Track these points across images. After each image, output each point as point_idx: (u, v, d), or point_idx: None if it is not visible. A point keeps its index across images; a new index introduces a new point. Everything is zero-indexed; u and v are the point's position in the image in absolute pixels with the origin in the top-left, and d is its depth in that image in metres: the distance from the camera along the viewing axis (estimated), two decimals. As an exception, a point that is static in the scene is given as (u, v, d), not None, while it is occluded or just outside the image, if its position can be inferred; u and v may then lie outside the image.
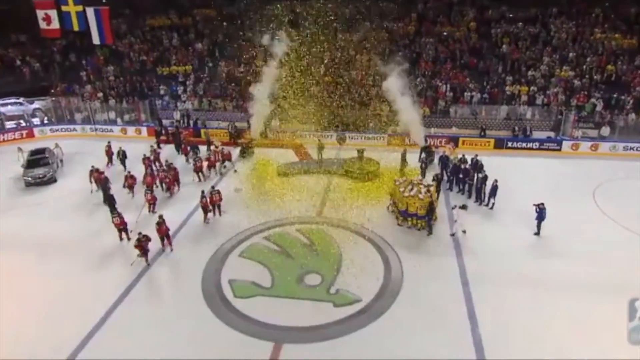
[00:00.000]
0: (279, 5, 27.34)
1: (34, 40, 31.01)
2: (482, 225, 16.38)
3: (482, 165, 18.63)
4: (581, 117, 23.41)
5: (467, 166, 18.65)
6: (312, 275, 13.61)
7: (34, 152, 21.76)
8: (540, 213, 15.43)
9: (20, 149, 22.75)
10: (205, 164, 20.66)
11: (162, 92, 28.11)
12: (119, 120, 27.62)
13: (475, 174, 17.81)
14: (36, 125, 27.48)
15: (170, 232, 15.35)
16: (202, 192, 16.70)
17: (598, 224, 16.17)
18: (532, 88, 25.28)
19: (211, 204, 16.81)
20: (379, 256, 14.58)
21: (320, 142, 21.93)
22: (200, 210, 17.02)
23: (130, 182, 18.86)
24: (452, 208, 15.90)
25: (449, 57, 28.09)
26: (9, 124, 27.14)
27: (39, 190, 20.05)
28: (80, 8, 23.64)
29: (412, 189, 16.09)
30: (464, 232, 15.61)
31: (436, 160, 21.01)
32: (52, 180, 20.74)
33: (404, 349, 10.86)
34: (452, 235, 15.64)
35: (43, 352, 10.97)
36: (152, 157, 20.95)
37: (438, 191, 17.23)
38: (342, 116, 25.15)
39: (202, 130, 25.35)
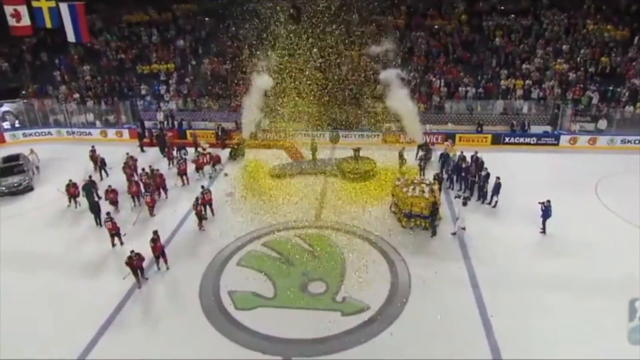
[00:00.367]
0: None
1: (1, 38, 29.76)
2: (486, 225, 16.32)
3: (482, 163, 18.57)
4: (578, 110, 23.65)
5: (468, 164, 18.56)
6: (316, 282, 13.29)
7: (7, 159, 20.83)
8: (546, 211, 15.45)
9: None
10: (191, 166, 20.22)
11: (143, 92, 27.35)
12: (97, 122, 26.75)
13: (477, 172, 17.70)
14: (7, 130, 26.41)
15: (162, 241, 14.81)
16: (197, 198, 16.18)
17: (604, 220, 16.28)
18: (527, 82, 25.46)
19: (202, 204, 16.44)
20: (384, 260, 14.36)
21: (313, 141, 21.59)
22: (190, 217, 16.71)
23: (111, 196, 17.39)
24: (455, 197, 15.80)
25: (441, 51, 28.09)
26: (-24, 129, 26.10)
27: (15, 201, 19.17)
28: (52, 4, 22.62)
29: (414, 189, 15.93)
30: (464, 229, 15.53)
31: (434, 158, 20.92)
32: (29, 188, 19.88)
33: (420, 358, 10.64)
34: (454, 234, 15.56)
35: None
36: (130, 165, 19.74)
37: (439, 190, 17.08)
38: (334, 114, 24.89)
39: (188, 132, 24.71)
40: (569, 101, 24.07)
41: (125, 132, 25.66)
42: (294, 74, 23.20)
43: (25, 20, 22.89)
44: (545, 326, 11.45)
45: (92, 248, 15.38)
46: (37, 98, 27.32)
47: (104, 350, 11.13)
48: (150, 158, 22.53)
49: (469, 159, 18.96)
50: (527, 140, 23.30)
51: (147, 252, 13.63)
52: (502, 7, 30.14)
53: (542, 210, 15.50)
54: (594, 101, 24.06)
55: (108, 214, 15.56)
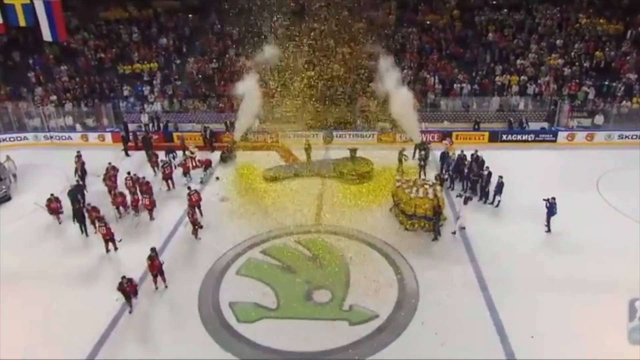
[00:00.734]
0: None
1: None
2: (490, 225, 16.37)
3: (483, 161, 18.61)
4: (574, 106, 23.95)
5: (469, 163, 18.59)
6: (321, 291, 13.07)
7: (-20, 167, 20.06)
8: (551, 208, 15.56)
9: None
10: (177, 170, 19.86)
11: (126, 93, 26.71)
12: (77, 126, 25.99)
13: (479, 171, 17.71)
14: (-22, 136, 25.49)
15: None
16: (192, 207, 15.76)
17: (608, 218, 16.45)
18: (522, 77, 25.69)
19: (190, 206, 16.27)
20: (389, 265, 14.21)
21: (307, 142, 21.36)
22: (182, 225, 16.43)
23: (93, 215, 15.94)
24: (457, 196, 15.78)
25: (434, 47, 28.16)
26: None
27: (-8, 211, 18.47)
28: (26, 0, 21.95)
29: (417, 190, 15.84)
30: (464, 228, 15.57)
31: (432, 157, 20.88)
32: (6, 198, 19.16)
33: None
34: (454, 233, 15.58)
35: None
36: (110, 175, 18.65)
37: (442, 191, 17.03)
38: (327, 113, 24.72)
39: (175, 134, 24.20)
40: (566, 97, 24.35)
41: (108, 136, 25.00)
42: (285, 73, 23.07)
43: (-4, 18, 22.19)
44: (559, 327, 11.45)
45: (81, 259, 14.85)
46: (10, 101, 26.42)
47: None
48: (136, 162, 21.99)
49: (469, 158, 19.03)
50: (525, 137, 23.47)
51: (142, 259, 13.23)
52: (494, 2, 30.44)
53: (547, 207, 15.60)
54: (590, 96, 24.40)
55: (102, 219, 15.29)
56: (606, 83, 24.74)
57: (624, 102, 23.81)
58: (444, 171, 19.44)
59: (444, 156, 19.52)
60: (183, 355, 11.06)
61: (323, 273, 13.84)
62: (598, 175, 19.54)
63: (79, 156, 20.06)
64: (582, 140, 23.10)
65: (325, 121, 24.49)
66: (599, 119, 23.65)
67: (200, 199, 16.83)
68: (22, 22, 22.33)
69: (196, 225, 15.56)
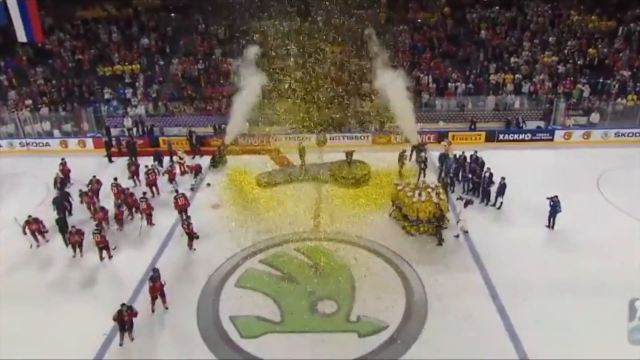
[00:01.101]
0: None
1: None
2: (493, 227, 16.45)
3: (483, 162, 18.65)
4: (570, 104, 24.24)
5: (470, 164, 18.61)
6: (326, 301, 12.84)
7: (-46, 177, 19.25)
8: (554, 206, 15.75)
9: None
10: (163, 176, 19.52)
11: (107, 96, 26.02)
12: (56, 131, 25.21)
13: (483, 173, 17.73)
14: (-52, 144, 24.52)
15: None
16: (188, 217, 15.36)
17: (611, 217, 16.63)
18: (516, 76, 25.91)
19: (177, 209, 16.41)
20: (394, 272, 14.08)
21: (300, 145, 21.10)
22: (174, 235, 16.11)
23: (76, 239, 14.88)
24: (458, 199, 15.92)
25: (426, 46, 28.22)
26: None
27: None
28: (-2, -2, 21.18)
29: (420, 194, 15.73)
30: (466, 232, 15.58)
31: (430, 158, 20.83)
32: (-18, 210, 18.37)
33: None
34: (457, 236, 15.56)
35: None
36: (93, 188, 17.93)
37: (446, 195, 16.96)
38: (319, 115, 24.47)
39: (162, 139, 23.65)
40: (561, 95, 24.63)
41: (89, 142, 24.31)
42: (275, 73, 22.77)
43: (-35, 19, 21.34)
44: (572, 331, 11.47)
45: (69, 273, 14.37)
46: (-20, 106, 25.56)
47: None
48: (121, 169, 21.31)
49: (468, 159, 19.05)
50: (522, 136, 23.66)
51: (138, 267, 12.87)
52: (485, -1, 30.69)
53: (550, 205, 15.76)
54: (585, 94, 24.74)
55: (98, 225, 15.20)
56: (600, 80, 25.09)
57: (618, 99, 24.17)
58: (443, 174, 19.40)
59: (444, 157, 19.45)
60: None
61: (326, 282, 13.60)
62: (598, 174, 19.77)
63: (63, 164, 19.37)
64: (579, 139, 23.39)
65: (318, 123, 24.23)
66: (595, 117, 23.99)
67: (187, 204, 16.73)
68: (-6, 22, 21.57)
69: (192, 236, 15.12)
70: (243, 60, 21.93)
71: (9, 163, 22.72)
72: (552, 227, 15.91)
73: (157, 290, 12.37)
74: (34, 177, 21.05)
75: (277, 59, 23.16)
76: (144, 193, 17.45)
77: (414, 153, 21.08)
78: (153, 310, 12.51)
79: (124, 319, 11.33)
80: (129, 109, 25.32)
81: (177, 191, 17.44)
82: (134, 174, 19.78)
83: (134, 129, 24.40)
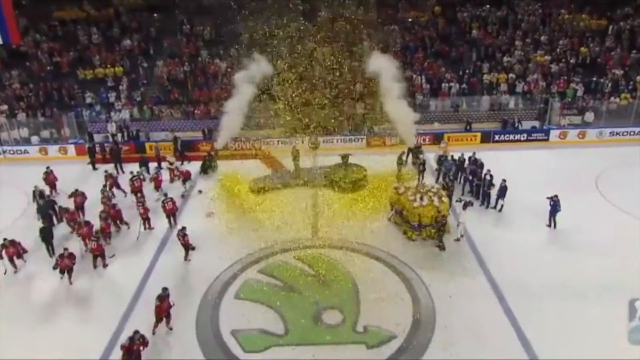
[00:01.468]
0: None
1: None
2: (495, 230, 16.58)
3: (482, 164, 18.76)
4: (564, 104, 24.59)
5: (469, 166, 18.69)
6: (330, 312, 12.66)
7: None
8: (555, 205, 16.00)
9: None
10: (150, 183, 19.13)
11: (89, 100, 25.43)
12: (34, 138, 24.51)
13: (482, 174, 17.80)
14: None
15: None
16: (183, 228, 14.97)
17: (614, 218, 16.85)
18: (510, 75, 26.19)
19: (165, 213, 16.46)
20: (398, 279, 13.99)
21: (294, 148, 20.92)
22: (167, 246, 15.79)
23: (66, 263, 13.90)
24: (457, 201, 16.09)
25: (418, 46, 28.34)
26: None
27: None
28: (-29, -1, 20.56)
29: (422, 198, 15.68)
30: (462, 236, 15.65)
31: (429, 161, 20.87)
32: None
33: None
34: (457, 240, 15.58)
35: None
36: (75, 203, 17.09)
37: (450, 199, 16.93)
38: (311, 117, 24.33)
39: (149, 144, 23.20)
40: (555, 94, 24.98)
41: (71, 148, 23.71)
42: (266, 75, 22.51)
43: None
44: (581, 332, 11.53)
45: (59, 288, 13.84)
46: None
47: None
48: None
49: (467, 161, 19.13)
50: (518, 137, 23.90)
51: (133, 278, 12.71)
52: (476, -3, 31.00)
53: (550, 205, 16.00)
54: (579, 93, 25.14)
55: (96, 232, 15.03)
56: (594, 79, 25.53)
57: (612, 98, 24.62)
58: (441, 176, 19.43)
59: (442, 159, 19.46)
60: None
61: (330, 292, 13.43)
62: (596, 174, 20.07)
63: (47, 172, 18.79)
64: (574, 139, 23.76)
65: (310, 126, 24.08)
66: (589, 116, 24.39)
67: (175, 208, 16.79)
68: (-34, 24, 20.91)
69: (188, 248, 14.77)
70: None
71: (-15, 172, 22.05)
72: (554, 227, 16.12)
73: (164, 311, 11.81)
74: (12, 187, 20.36)
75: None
76: (141, 197, 17.31)
77: (410, 156, 21.11)
78: (154, 332, 11.83)
79: (134, 349, 10.54)
80: (112, 114, 24.79)
81: (165, 195, 17.28)
82: (112, 185, 18.71)
83: (119, 135, 23.86)
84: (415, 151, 20.94)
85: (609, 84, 25.19)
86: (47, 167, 19.11)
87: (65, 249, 14.05)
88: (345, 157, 20.22)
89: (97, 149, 22.62)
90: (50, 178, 18.83)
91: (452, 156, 19.68)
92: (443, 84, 26.07)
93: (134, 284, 13.83)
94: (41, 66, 27.57)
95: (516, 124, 24.35)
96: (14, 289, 14.01)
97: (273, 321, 12.36)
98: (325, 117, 24.47)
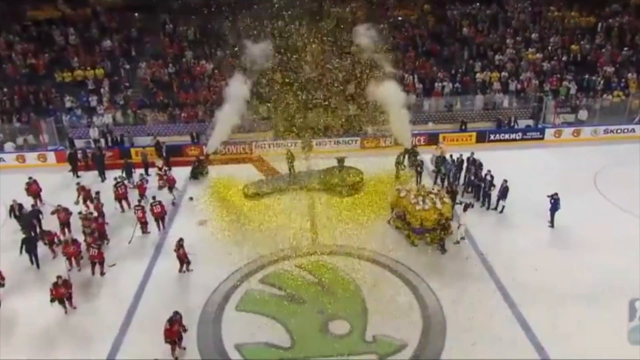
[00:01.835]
0: None
1: None
2: (497, 231, 16.69)
3: (481, 164, 18.87)
4: (558, 102, 24.97)
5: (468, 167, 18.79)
6: (337, 321, 12.48)
7: None
8: (555, 204, 16.25)
9: None
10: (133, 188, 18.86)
11: (68, 104, 24.74)
12: (9, 145, 23.70)
13: (483, 175, 17.89)
14: None
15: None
16: (181, 239, 14.48)
17: (615, 217, 17.09)
18: (503, 74, 26.49)
19: (153, 217, 16.33)
20: (404, 284, 13.91)
21: (289, 151, 20.73)
22: (159, 258, 15.41)
23: (62, 292, 12.79)
24: (457, 203, 16.20)
25: (409, 45, 28.44)
26: None
27: None
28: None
29: (424, 201, 15.65)
30: (463, 238, 15.72)
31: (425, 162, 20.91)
32: None
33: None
34: (457, 243, 15.63)
35: None
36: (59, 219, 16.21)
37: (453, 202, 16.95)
38: (303, 119, 24.17)
39: (135, 150, 22.68)
40: (549, 92, 25.35)
41: (51, 155, 23.00)
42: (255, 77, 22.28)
43: None
44: (596, 335, 11.57)
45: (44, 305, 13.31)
46: None
47: None
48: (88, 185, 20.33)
49: (465, 162, 19.24)
50: (513, 136, 24.16)
51: (127, 291, 12.29)
52: (466, -5, 31.30)
53: (550, 203, 16.24)
54: (572, 91, 25.57)
55: (97, 239, 14.76)
56: (586, 77, 26.00)
57: (604, 95, 25.10)
58: (440, 178, 19.48)
59: (441, 161, 19.49)
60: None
61: (334, 300, 13.26)
62: (593, 172, 20.39)
63: (30, 183, 18.12)
64: (569, 137, 24.13)
65: (302, 128, 23.92)
66: (583, 114, 24.82)
67: (164, 212, 16.65)
68: None
69: (184, 261, 14.40)
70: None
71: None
72: (552, 225, 16.37)
73: (173, 334, 11.20)
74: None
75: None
76: (140, 200, 17.24)
77: (407, 157, 21.08)
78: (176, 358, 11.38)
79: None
80: (94, 118, 24.17)
81: (154, 198, 16.96)
82: (86, 198, 17.68)
83: (102, 140, 23.26)
84: (412, 152, 20.95)
85: (601, 82, 25.68)
86: (30, 178, 18.33)
87: (59, 277, 12.72)
88: (341, 160, 20.09)
89: (79, 155, 22.00)
90: (33, 188, 18.11)
91: (450, 156, 19.73)
92: (436, 84, 26.19)
93: (128, 301, 13.45)
94: (15, 68, 26.74)
95: (512, 123, 24.58)
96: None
97: (278, 333, 12.13)
98: (317, 118, 24.44)
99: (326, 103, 24.42)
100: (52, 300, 12.51)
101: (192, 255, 14.66)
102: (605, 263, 14.25)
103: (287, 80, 24.04)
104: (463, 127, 24.45)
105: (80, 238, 15.25)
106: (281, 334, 12.10)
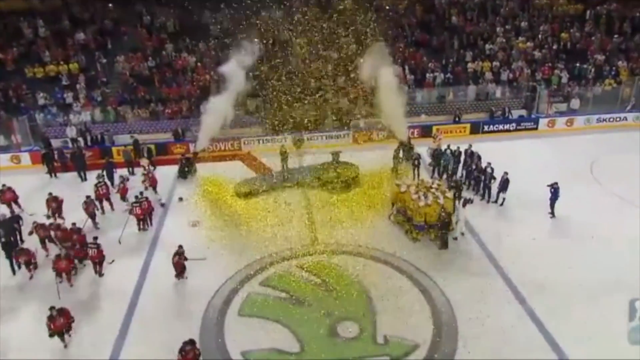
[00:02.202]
0: None
1: None
2: (500, 226, 16.70)
3: (479, 156, 18.97)
4: (551, 91, 25.31)
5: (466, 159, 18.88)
6: (345, 323, 12.34)
7: None
8: (555, 193, 16.52)
9: None
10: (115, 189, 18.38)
11: (42, 101, 23.86)
12: (-24, 147, 22.79)
13: (484, 168, 17.98)
14: None
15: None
16: (180, 246, 14.06)
17: (614, 206, 17.42)
18: (494, 63, 26.70)
19: (141, 215, 16.31)
20: (410, 282, 13.85)
21: (282, 147, 20.46)
22: (152, 263, 15.05)
23: (60, 323, 11.77)
24: (461, 198, 16.22)
25: (398, 34, 28.38)
26: None
27: None
28: None
29: (425, 196, 15.62)
30: (462, 234, 15.79)
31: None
32: None
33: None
34: (455, 239, 15.69)
35: None
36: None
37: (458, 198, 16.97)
38: (292, 113, 23.89)
39: (117, 149, 22.04)
40: (541, 82, 25.67)
41: (25, 157, 22.16)
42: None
43: None
44: (611, 328, 11.50)
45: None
46: None
47: None
48: (66, 187, 19.61)
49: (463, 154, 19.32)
50: (507, 126, 24.40)
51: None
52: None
53: (550, 192, 16.51)
54: (564, 80, 25.95)
55: (95, 238, 14.34)
56: (577, 65, 26.42)
57: (597, 84, 25.55)
58: (437, 171, 19.52)
59: (439, 154, 19.51)
60: None
61: (340, 301, 13.11)
62: (589, 162, 20.77)
63: (2, 191, 17.32)
64: (562, 127, 24.50)
65: (293, 123, 23.65)
66: (575, 103, 25.23)
67: (151, 208, 16.70)
68: None
69: (180, 270, 13.97)
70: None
71: None
72: (553, 214, 16.64)
73: None
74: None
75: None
76: (141, 194, 16.82)
77: (402, 151, 21.04)
78: None
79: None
80: (71, 116, 23.37)
81: (141, 193, 16.86)
82: (55, 211, 16.73)
83: (81, 139, 22.51)
84: (407, 146, 20.90)
85: (592, 70, 26.13)
86: (3, 185, 17.43)
87: (52, 307, 11.58)
88: (336, 154, 19.93)
89: (56, 155, 21.24)
90: (7, 197, 17.21)
91: (448, 146, 19.76)
92: (427, 74, 26.22)
93: (124, 309, 13.08)
94: (-20, 64, 25.69)
95: (506, 114, 24.81)
96: None
97: (285, 338, 11.92)
98: (307, 112, 24.20)
99: (316, 95, 24.30)
100: (51, 335, 11.54)
101: (202, 260, 14.30)
102: (610, 254, 14.49)
103: (275, 72, 23.82)
104: (457, 119, 24.54)
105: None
106: (289, 339, 11.89)
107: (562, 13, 29.50)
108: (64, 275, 13.80)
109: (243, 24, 24.05)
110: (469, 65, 26.70)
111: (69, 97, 24.08)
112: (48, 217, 16.65)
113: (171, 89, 24.62)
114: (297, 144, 23.32)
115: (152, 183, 18.66)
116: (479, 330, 12.02)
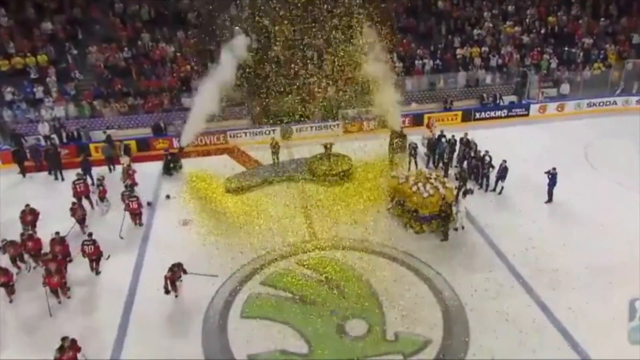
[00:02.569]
0: None
1: None
2: (500, 215, 16.90)
3: (475, 144, 19.11)
4: (541, 76, 25.67)
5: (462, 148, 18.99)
6: (354, 321, 12.29)
7: None
8: (553, 179, 16.83)
9: None
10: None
11: (9, 97, 22.87)
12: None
13: (482, 156, 18.12)
14: None
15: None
16: (180, 265, 13.44)
17: (610, 190, 17.83)
18: (483, 49, 26.89)
19: (137, 209, 16.34)
20: (415, 276, 13.91)
21: (274, 140, 20.18)
22: (145, 268, 14.64)
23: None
24: (455, 188, 16.35)
25: (385, 20, 28.24)
26: None
27: None
28: None
29: (425, 187, 15.64)
30: (462, 227, 15.87)
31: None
32: None
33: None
34: (455, 229, 15.76)
35: None
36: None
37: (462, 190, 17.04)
38: (278, 104, 23.61)
39: (95, 145, 21.37)
40: (531, 67, 25.99)
41: (-5, 156, 21.31)
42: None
43: None
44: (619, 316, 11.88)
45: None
46: None
47: None
48: (39, 187, 19.21)
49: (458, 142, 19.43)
50: (498, 113, 24.65)
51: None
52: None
53: (548, 178, 16.82)
54: (553, 65, 26.35)
55: (90, 235, 14.20)
56: (565, 49, 26.84)
57: (586, 68, 26.03)
58: (432, 160, 19.61)
59: (436, 142, 19.56)
60: None
61: (346, 298, 13.07)
62: (582, 147, 21.23)
63: None
64: (553, 112, 24.90)
65: (279, 114, 23.40)
66: (565, 88, 25.66)
67: (138, 207, 16.47)
68: None
69: (175, 283, 13.25)
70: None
71: None
72: (550, 199, 16.99)
73: None
74: None
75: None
76: (131, 189, 16.98)
77: (394, 140, 21.01)
78: None
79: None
80: (43, 112, 22.49)
81: (131, 189, 16.91)
82: (29, 223, 15.44)
83: (55, 136, 21.72)
84: (400, 135, 20.88)
85: (581, 54, 26.59)
86: None
87: (65, 339, 10.54)
88: (328, 146, 19.78)
89: (27, 154, 20.47)
90: None
91: (442, 132, 19.83)
92: (416, 61, 26.23)
93: (119, 313, 12.77)
94: (-61, 59, 24.45)
95: (497, 100, 25.06)
96: None
97: (292, 339, 11.81)
98: (293, 102, 23.95)
99: (302, 83, 24.03)
100: None
101: (215, 276, 13.72)
102: (611, 238, 14.84)
103: (259, 61, 23.46)
104: (448, 107, 24.66)
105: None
106: (296, 340, 11.78)
107: (547, -5, 29.88)
108: (59, 290, 13.03)
109: (223, 10, 23.65)
110: (458, 51, 26.82)
111: (39, 91, 23.13)
112: (22, 234, 14.74)
113: (150, 81, 23.95)
114: (286, 136, 23.19)
115: (132, 182, 18.09)
116: (489, 322, 12.11)
